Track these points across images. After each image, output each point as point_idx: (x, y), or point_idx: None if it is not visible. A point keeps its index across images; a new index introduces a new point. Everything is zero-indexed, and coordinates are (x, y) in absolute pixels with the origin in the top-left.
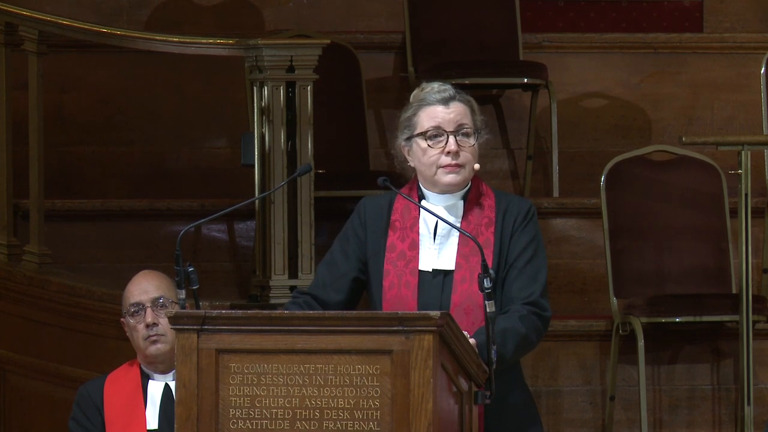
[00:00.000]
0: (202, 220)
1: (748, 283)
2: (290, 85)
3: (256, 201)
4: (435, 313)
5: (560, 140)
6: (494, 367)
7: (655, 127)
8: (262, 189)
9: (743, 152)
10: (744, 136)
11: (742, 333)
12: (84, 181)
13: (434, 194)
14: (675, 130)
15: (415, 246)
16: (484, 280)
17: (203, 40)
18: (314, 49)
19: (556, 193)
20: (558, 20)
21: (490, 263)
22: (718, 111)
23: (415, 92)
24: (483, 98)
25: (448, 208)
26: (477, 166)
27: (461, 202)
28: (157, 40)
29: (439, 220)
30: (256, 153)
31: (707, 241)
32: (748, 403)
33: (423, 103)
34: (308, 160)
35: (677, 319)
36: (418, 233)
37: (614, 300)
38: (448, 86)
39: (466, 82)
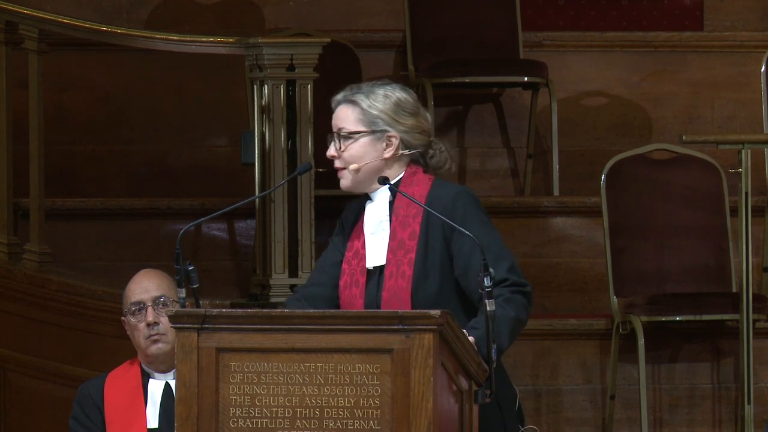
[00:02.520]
0: (203, 219)
1: (748, 282)
2: (290, 84)
3: (257, 200)
4: (435, 312)
5: (560, 139)
6: (494, 365)
7: (656, 126)
8: (263, 188)
9: (743, 151)
10: (744, 135)
11: (742, 332)
12: (84, 179)
13: (368, 195)
14: (675, 129)
15: (364, 245)
16: (485, 279)
17: (203, 39)
18: (314, 48)
19: (556, 192)
20: (558, 19)
21: (414, 255)
22: (719, 109)
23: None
24: (483, 97)
25: (376, 206)
26: (367, 162)
27: (387, 197)
28: (157, 38)
29: (373, 216)
30: (256, 151)
31: (707, 240)
32: (749, 402)
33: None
34: (308, 159)
35: (677, 318)
36: (368, 230)
37: (614, 299)
38: (347, 88)
39: (467, 80)
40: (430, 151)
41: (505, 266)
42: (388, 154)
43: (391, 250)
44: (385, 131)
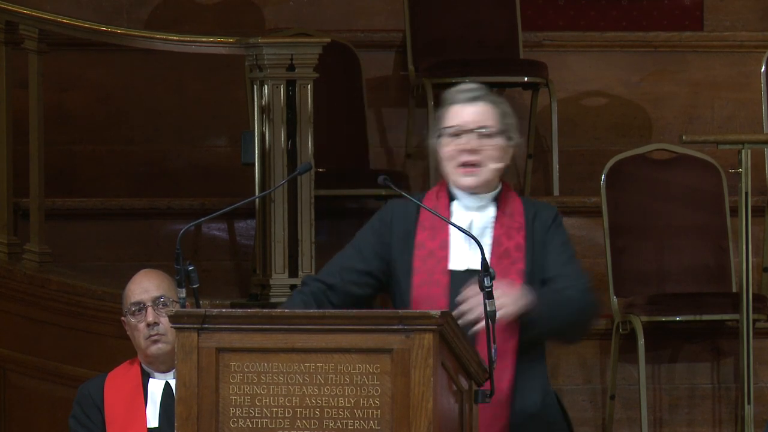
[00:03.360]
0: (203, 219)
1: (748, 282)
2: (290, 84)
3: (257, 200)
4: (435, 312)
5: (560, 139)
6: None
7: (656, 126)
8: (263, 188)
9: (743, 151)
10: (744, 135)
11: (742, 332)
12: (84, 179)
13: (465, 195)
14: (675, 129)
15: (445, 245)
16: (485, 279)
17: (203, 39)
18: (314, 48)
19: (556, 192)
20: (558, 19)
21: (523, 266)
22: (719, 110)
23: (446, 91)
24: None
25: (480, 210)
26: (497, 166)
27: (493, 205)
28: (157, 38)
29: (473, 220)
30: (256, 152)
31: (707, 240)
32: (749, 402)
33: (449, 101)
34: (308, 159)
35: (677, 318)
36: (448, 233)
37: (614, 299)
38: (478, 86)
39: (467, 80)
40: None
41: (585, 280)
42: (508, 161)
43: (495, 257)
44: (513, 139)
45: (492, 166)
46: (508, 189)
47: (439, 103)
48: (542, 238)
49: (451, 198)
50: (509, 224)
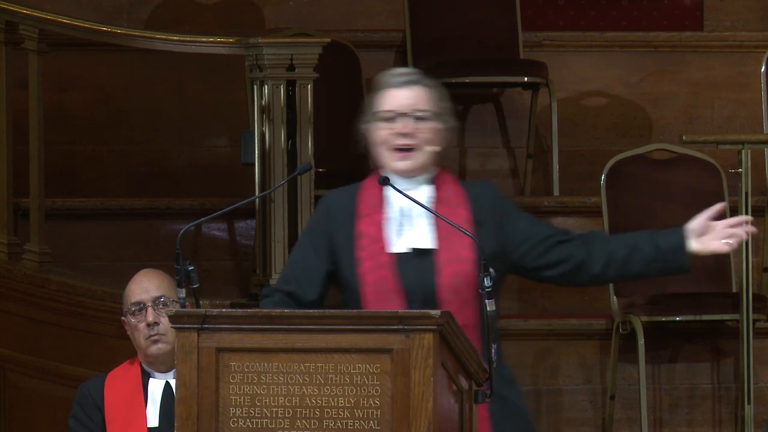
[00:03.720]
0: (203, 219)
1: (748, 282)
2: (290, 84)
3: (257, 200)
4: (435, 312)
5: (560, 139)
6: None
7: (656, 126)
8: (263, 188)
9: (743, 151)
10: (744, 135)
11: (742, 332)
12: (84, 179)
13: (399, 178)
14: (675, 129)
15: (385, 229)
16: (485, 279)
17: (203, 39)
18: (314, 48)
19: (556, 192)
20: (558, 19)
21: (471, 242)
22: (719, 110)
23: (379, 75)
24: (483, 97)
25: (414, 192)
26: (432, 149)
27: (429, 186)
28: (157, 38)
29: (412, 202)
30: (256, 152)
31: None
32: (749, 402)
33: (382, 86)
34: (308, 159)
35: (677, 318)
36: (383, 217)
37: (614, 299)
38: (411, 71)
39: (467, 80)
40: None
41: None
42: (443, 145)
43: (443, 237)
44: (448, 124)
45: (427, 149)
46: (444, 172)
47: (371, 88)
48: (491, 210)
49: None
50: (450, 202)
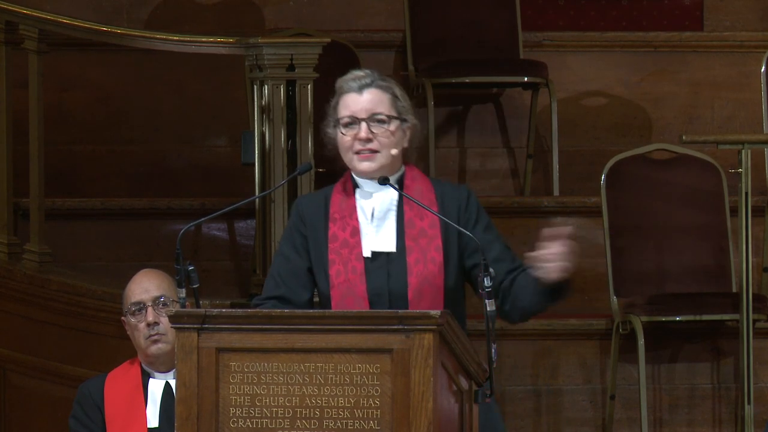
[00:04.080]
0: (203, 219)
1: (748, 282)
2: (290, 84)
3: (257, 200)
4: (435, 312)
5: (560, 139)
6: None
7: (656, 126)
8: (263, 188)
9: (743, 151)
10: (744, 135)
11: (742, 332)
12: (84, 179)
13: (366, 181)
14: (675, 129)
15: (356, 233)
16: (485, 279)
17: (203, 39)
18: (314, 48)
19: (556, 192)
20: (558, 19)
21: (440, 243)
22: (719, 110)
23: (338, 80)
24: (483, 97)
25: (383, 194)
26: (394, 151)
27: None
28: (157, 38)
29: (374, 206)
30: (256, 152)
31: (707, 240)
32: (749, 402)
33: (341, 91)
34: (308, 159)
35: (677, 318)
36: (357, 220)
37: (614, 299)
38: (367, 72)
39: (467, 80)
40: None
41: (518, 260)
42: (406, 143)
43: (411, 238)
44: (407, 121)
45: (389, 152)
46: (412, 170)
47: (332, 93)
48: (456, 214)
49: (355, 186)
50: (420, 203)
